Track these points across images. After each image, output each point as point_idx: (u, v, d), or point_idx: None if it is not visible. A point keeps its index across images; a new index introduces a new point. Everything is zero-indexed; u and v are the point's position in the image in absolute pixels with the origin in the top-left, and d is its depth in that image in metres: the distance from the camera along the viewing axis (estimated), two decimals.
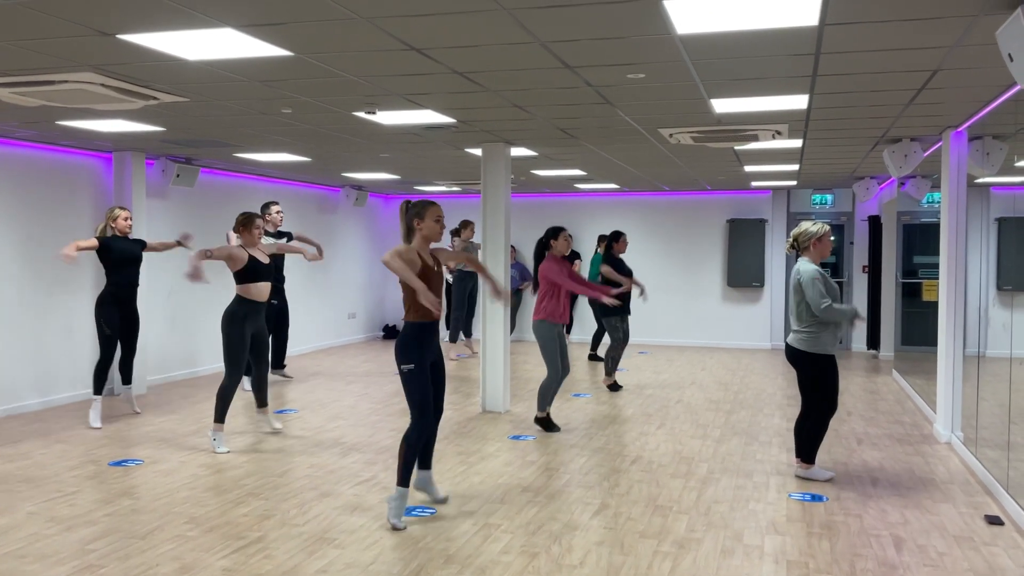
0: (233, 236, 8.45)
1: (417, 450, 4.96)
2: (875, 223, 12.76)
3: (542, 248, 7.51)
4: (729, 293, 14.06)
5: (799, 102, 5.99)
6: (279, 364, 10.05)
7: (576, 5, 3.75)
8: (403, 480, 4.89)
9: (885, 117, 6.64)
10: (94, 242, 7.44)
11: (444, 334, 12.06)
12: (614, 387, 9.58)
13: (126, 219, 7.63)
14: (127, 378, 8.01)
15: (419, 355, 4.90)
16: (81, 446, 6.79)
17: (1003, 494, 5.32)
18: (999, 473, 5.57)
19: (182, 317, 10.21)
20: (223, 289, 10.53)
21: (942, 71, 5.00)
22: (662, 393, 9.44)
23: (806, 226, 5.87)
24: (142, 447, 6.79)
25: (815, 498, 5.46)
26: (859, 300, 13.24)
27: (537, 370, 11.10)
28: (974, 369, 6.86)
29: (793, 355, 5.84)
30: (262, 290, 6.73)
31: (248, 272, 6.67)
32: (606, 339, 12.05)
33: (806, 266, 5.75)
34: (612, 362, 9.55)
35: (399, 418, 7.92)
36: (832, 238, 5.98)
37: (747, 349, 13.71)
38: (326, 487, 5.68)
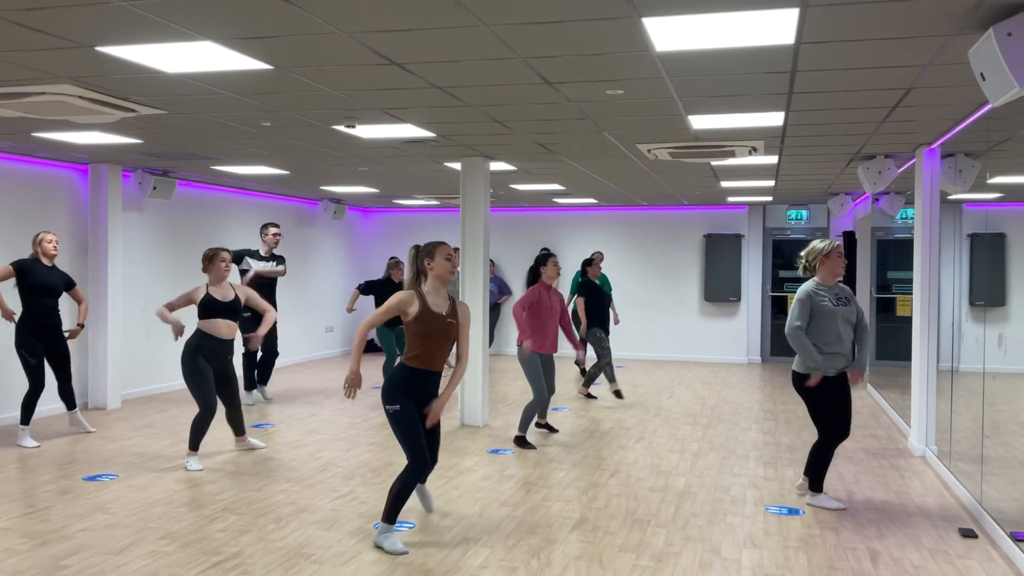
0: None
1: (410, 493, 4.75)
2: (849, 239, 12.90)
3: (534, 275, 7.65)
4: (706, 307, 14.15)
5: (775, 119, 6.07)
6: (264, 379, 9.67)
7: (557, 22, 3.78)
8: (390, 517, 4.73)
9: (860, 134, 6.73)
10: (8, 269, 7.13)
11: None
12: (590, 396, 10.07)
13: (50, 242, 7.36)
14: (70, 404, 7.66)
15: (404, 398, 4.73)
16: (54, 461, 6.71)
17: (977, 507, 5.38)
18: (973, 487, 5.63)
19: (157, 331, 10.11)
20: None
21: (916, 90, 5.08)
22: (640, 407, 9.47)
23: (814, 244, 5.65)
24: (117, 462, 6.71)
25: (792, 512, 5.49)
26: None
27: (515, 384, 11.10)
28: (948, 383, 6.94)
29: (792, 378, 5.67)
30: (219, 327, 6.61)
31: (205, 309, 6.60)
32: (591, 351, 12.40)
33: (803, 285, 5.57)
34: (596, 372, 9.74)
35: (377, 432, 7.89)
36: (841, 254, 5.59)
37: (724, 363, 13.78)
38: (303, 502, 5.64)
